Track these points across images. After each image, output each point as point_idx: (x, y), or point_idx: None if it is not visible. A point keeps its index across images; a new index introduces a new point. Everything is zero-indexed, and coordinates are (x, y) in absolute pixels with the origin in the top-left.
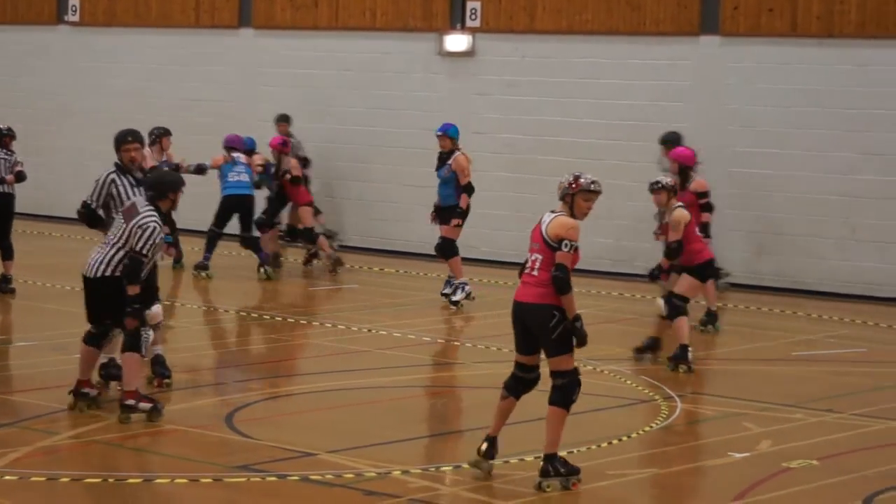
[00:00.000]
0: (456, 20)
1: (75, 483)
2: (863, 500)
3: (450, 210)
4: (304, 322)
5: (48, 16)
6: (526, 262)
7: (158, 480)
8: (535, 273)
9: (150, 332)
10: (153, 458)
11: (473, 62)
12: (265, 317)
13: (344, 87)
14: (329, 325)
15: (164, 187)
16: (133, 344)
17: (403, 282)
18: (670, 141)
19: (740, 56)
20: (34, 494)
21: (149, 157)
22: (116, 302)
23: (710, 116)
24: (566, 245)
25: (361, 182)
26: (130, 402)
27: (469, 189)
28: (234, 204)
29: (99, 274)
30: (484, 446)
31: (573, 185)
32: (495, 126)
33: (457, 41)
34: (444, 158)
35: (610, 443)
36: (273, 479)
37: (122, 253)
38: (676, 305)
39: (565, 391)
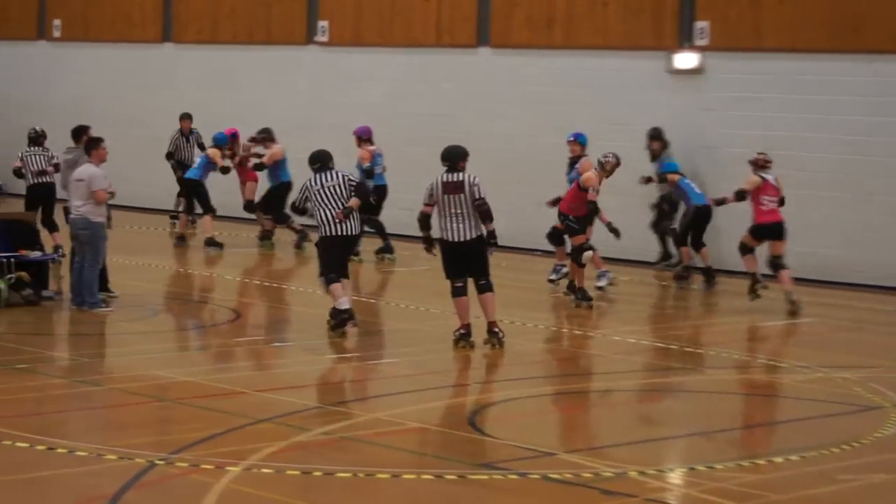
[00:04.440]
0: (685, 39)
1: (328, 477)
2: None
3: None
4: (540, 327)
5: (299, 36)
6: None
7: (405, 476)
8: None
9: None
10: (399, 454)
11: (702, 79)
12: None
13: (576, 103)
14: (565, 329)
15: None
16: (490, 286)
17: (632, 288)
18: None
19: None
20: (290, 487)
21: None
22: (479, 256)
23: None
24: None
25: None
26: (496, 329)
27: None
28: (382, 191)
29: (468, 238)
30: None
31: None
32: (724, 141)
33: (685, 59)
34: (573, 163)
35: (840, 448)
36: (514, 476)
37: (474, 220)
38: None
39: None
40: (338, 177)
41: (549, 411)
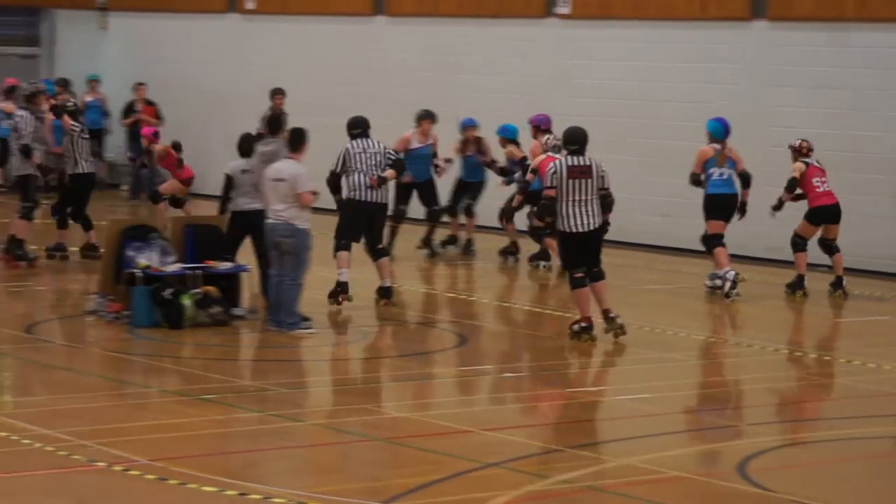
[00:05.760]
0: None
1: None
2: None
3: None
4: (825, 357)
5: (536, 7)
6: None
7: None
8: None
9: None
10: None
11: None
12: (769, 348)
13: (873, 88)
14: (857, 362)
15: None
16: (604, 273)
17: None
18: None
19: None
20: None
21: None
22: (599, 244)
23: None
24: None
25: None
26: (613, 315)
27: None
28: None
29: (595, 226)
30: None
31: None
32: None
33: None
34: None
35: None
36: None
37: (597, 206)
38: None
39: None
40: (379, 146)
41: (837, 460)
